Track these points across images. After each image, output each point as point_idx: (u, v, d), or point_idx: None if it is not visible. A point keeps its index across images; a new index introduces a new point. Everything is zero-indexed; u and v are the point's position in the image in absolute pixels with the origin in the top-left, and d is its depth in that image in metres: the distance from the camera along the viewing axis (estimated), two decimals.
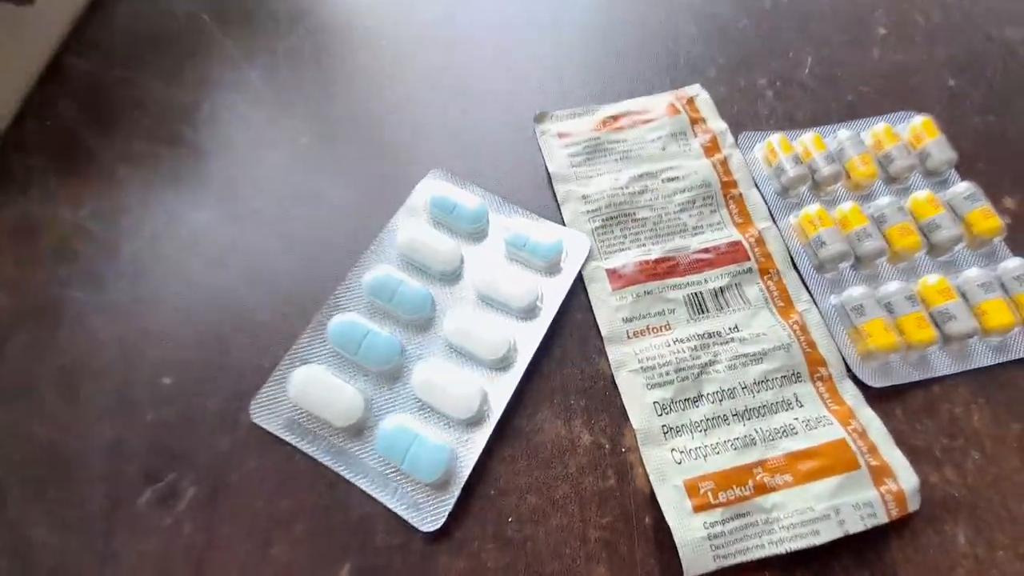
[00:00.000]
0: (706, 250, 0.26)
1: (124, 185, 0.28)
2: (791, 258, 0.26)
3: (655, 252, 0.26)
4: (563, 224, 0.27)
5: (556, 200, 0.28)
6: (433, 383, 0.22)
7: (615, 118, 0.30)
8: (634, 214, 0.27)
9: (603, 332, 0.24)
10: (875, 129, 0.28)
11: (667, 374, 0.23)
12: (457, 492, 0.21)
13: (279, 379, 0.22)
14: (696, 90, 0.31)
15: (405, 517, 0.20)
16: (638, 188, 0.27)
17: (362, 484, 0.21)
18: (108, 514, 0.21)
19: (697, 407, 0.22)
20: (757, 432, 0.22)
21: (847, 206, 0.26)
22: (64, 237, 0.26)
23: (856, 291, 0.24)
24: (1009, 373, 0.24)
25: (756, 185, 0.28)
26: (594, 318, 0.25)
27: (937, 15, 0.34)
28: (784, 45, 0.33)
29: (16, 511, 0.21)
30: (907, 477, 0.21)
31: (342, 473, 0.21)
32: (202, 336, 0.24)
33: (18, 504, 0.21)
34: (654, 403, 0.22)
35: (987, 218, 0.26)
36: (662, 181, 0.28)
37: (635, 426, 0.22)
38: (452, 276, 0.25)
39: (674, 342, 0.24)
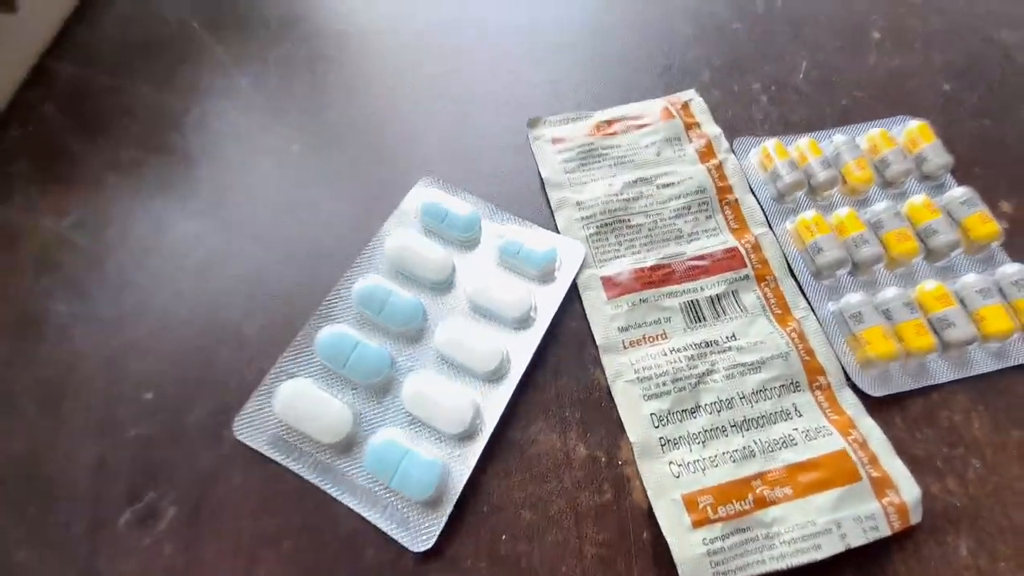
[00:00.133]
0: (701, 257, 0.25)
1: (109, 193, 0.27)
2: (788, 265, 0.26)
3: (650, 259, 0.25)
4: (557, 231, 0.27)
5: (550, 207, 0.27)
6: (424, 396, 0.21)
7: (609, 123, 0.29)
8: (629, 220, 0.26)
9: (598, 341, 0.24)
10: (871, 133, 0.28)
11: (664, 384, 0.22)
12: (449, 510, 0.20)
13: (264, 394, 0.22)
14: (690, 95, 0.30)
15: (395, 537, 0.20)
16: (633, 194, 0.27)
17: (350, 503, 0.20)
18: (88, 534, 0.20)
19: (695, 418, 0.22)
20: (756, 443, 0.21)
21: (844, 211, 0.26)
22: (47, 246, 0.26)
23: (854, 298, 0.24)
24: (1008, 379, 0.23)
25: (752, 191, 0.28)
26: (589, 327, 0.24)
27: (933, 19, 0.34)
28: (778, 49, 0.33)
29: None
30: (909, 488, 0.20)
31: (329, 491, 0.20)
32: (186, 349, 0.23)
33: None
34: (651, 414, 0.22)
35: (984, 223, 0.25)
36: (657, 187, 0.27)
37: (632, 439, 0.22)
38: (444, 285, 0.25)
39: (671, 351, 0.23)
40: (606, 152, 0.28)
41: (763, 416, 0.22)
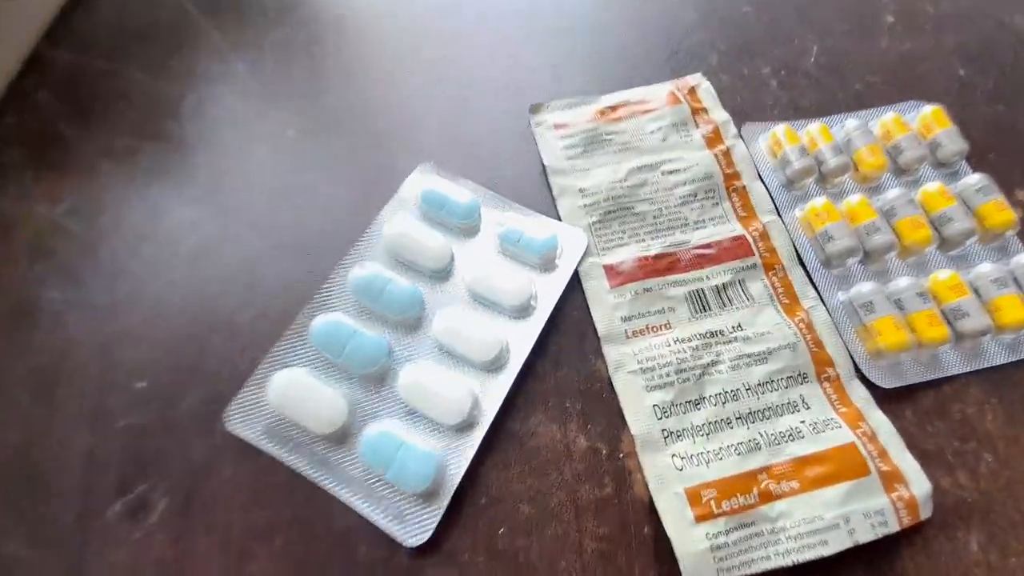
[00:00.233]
0: (708, 245, 0.25)
1: (104, 180, 0.27)
2: (797, 253, 0.25)
3: (655, 247, 0.25)
4: (559, 219, 0.26)
5: (552, 194, 0.27)
6: (421, 386, 0.21)
7: (613, 108, 0.28)
8: (633, 208, 0.26)
9: (600, 331, 0.23)
10: (884, 119, 0.27)
11: (667, 375, 0.22)
12: (445, 503, 0.20)
13: (257, 383, 0.21)
14: (697, 79, 0.29)
15: (390, 531, 0.19)
16: (637, 181, 0.26)
17: (344, 496, 0.20)
18: (79, 525, 0.20)
19: (699, 410, 0.21)
20: (762, 436, 0.21)
21: (855, 199, 0.25)
22: (40, 234, 0.25)
23: (865, 287, 0.23)
24: (1022, 372, 0.23)
25: (760, 177, 0.27)
26: (591, 317, 0.24)
27: (944, 3, 0.33)
28: (788, 32, 0.32)
29: None
30: (919, 483, 0.20)
31: (323, 484, 0.20)
32: (179, 338, 0.23)
33: None
34: (654, 406, 0.21)
35: (1000, 211, 0.25)
36: (662, 174, 0.27)
37: (634, 431, 0.21)
38: (442, 273, 0.24)
39: (675, 342, 0.23)
40: (610, 138, 0.28)
41: (769, 408, 0.21)
